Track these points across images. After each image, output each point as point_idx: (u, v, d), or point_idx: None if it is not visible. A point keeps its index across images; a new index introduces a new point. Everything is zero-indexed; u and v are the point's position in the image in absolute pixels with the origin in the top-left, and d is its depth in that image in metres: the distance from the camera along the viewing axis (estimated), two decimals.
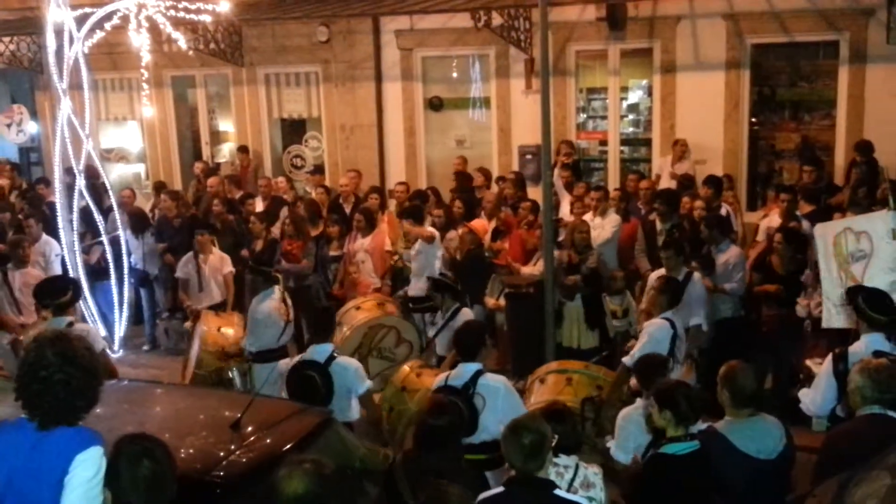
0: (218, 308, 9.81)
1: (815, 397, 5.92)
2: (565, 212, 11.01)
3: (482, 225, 10.44)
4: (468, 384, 5.94)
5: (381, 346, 9.10)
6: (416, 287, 9.71)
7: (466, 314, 8.29)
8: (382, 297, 9.93)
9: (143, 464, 3.57)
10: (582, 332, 9.32)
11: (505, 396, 5.99)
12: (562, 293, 9.30)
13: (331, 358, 6.56)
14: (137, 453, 3.60)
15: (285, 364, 7.02)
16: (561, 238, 9.73)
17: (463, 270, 9.72)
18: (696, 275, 8.44)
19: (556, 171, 11.26)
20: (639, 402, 5.93)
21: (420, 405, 6.85)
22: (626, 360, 7.04)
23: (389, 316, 9.24)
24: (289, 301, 8.41)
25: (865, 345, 5.89)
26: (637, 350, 6.96)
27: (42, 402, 3.75)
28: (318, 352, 6.61)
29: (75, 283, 7.82)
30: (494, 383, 6.05)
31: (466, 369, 6.04)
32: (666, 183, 11.68)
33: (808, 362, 7.10)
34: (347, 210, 11.92)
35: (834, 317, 7.09)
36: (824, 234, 7.24)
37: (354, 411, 6.65)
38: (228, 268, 10.23)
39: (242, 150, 14.70)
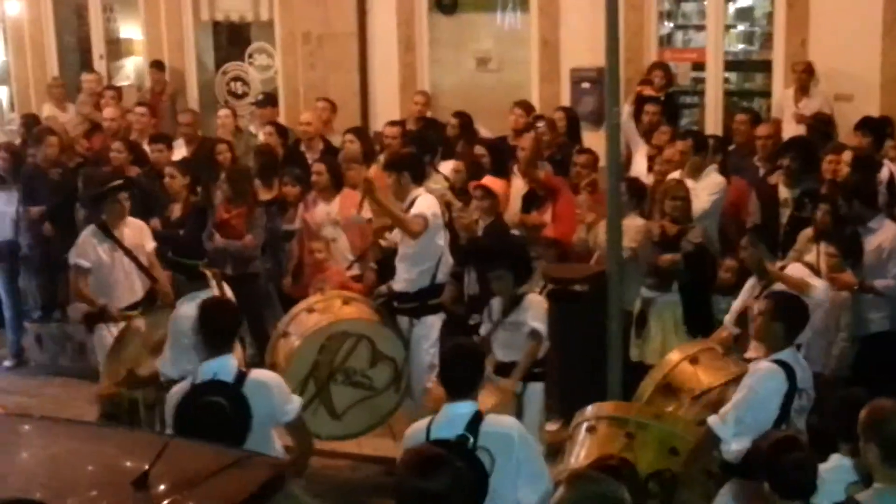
0: (144, 306, 9.69)
1: None
2: (640, 170, 11.00)
3: (500, 185, 10.40)
4: (464, 435, 5.94)
5: (349, 367, 9.11)
6: (404, 278, 9.67)
7: (536, 303, 8.45)
8: (352, 291, 9.86)
9: None
10: (679, 343, 9.31)
11: (520, 447, 5.99)
12: (650, 283, 9.34)
13: (241, 374, 6.60)
14: None
15: (176, 391, 7.01)
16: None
17: (484, 255, 9.70)
18: (796, 266, 8.53)
19: (627, 109, 11.23)
20: None
21: None
22: (713, 421, 6.99)
23: (357, 320, 9.20)
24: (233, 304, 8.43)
25: None
26: (730, 410, 6.93)
27: None
28: (219, 367, 6.62)
29: None
30: (503, 429, 6.02)
31: (458, 412, 6.01)
32: (789, 128, 11.67)
33: None
34: (312, 161, 11.91)
35: None
36: None
37: (276, 446, 6.69)
38: (150, 242, 10.08)
39: (155, 67, 14.72)
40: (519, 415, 8.32)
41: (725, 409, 6.94)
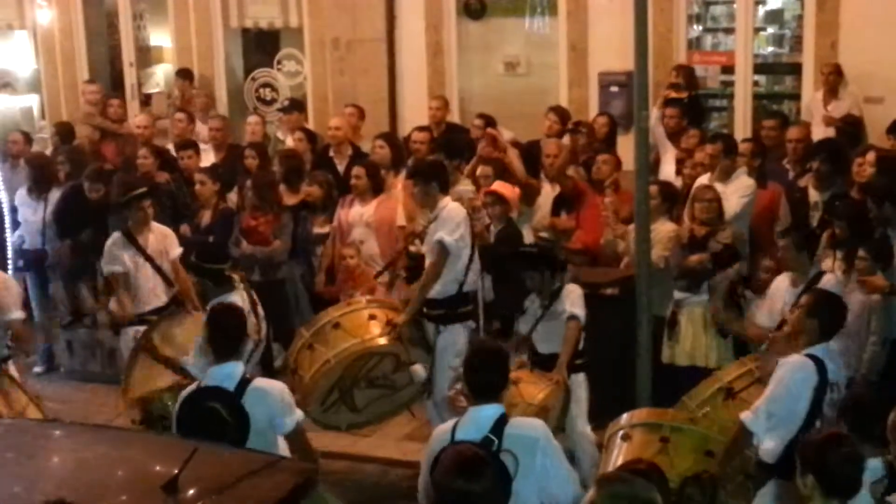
0: (167, 310, 9.71)
1: None
2: (668, 172, 10.97)
3: (510, 190, 10.38)
4: (489, 437, 5.93)
5: (373, 376, 9.13)
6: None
7: (573, 291, 8.53)
8: (385, 299, 9.85)
9: None
10: (710, 344, 9.32)
11: (545, 449, 5.98)
12: (681, 284, 9.33)
13: (244, 382, 6.61)
14: None
15: (184, 393, 7.02)
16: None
17: (499, 262, 9.68)
18: (830, 277, 8.45)
19: (656, 112, 11.21)
20: None
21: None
22: (746, 417, 6.99)
23: (385, 346, 9.17)
24: (260, 310, 8.44)
25: None
26: (761, 405, 6.92)
27: None
28: (224, 375, 6.64)
29: None
30: (528, 431, 6.01)
31: (483, 415, 6.01)
32: (819, 131, 11.61)
33: None
34: (341, 166, 11.95)
35: None
36: None
37: (283, 454, 6.67)
38: (176, 249, 10.13)
39: (184, 75, 14.75)
40: (566, 404, 8.49)
41: (757, 404, 6.95)
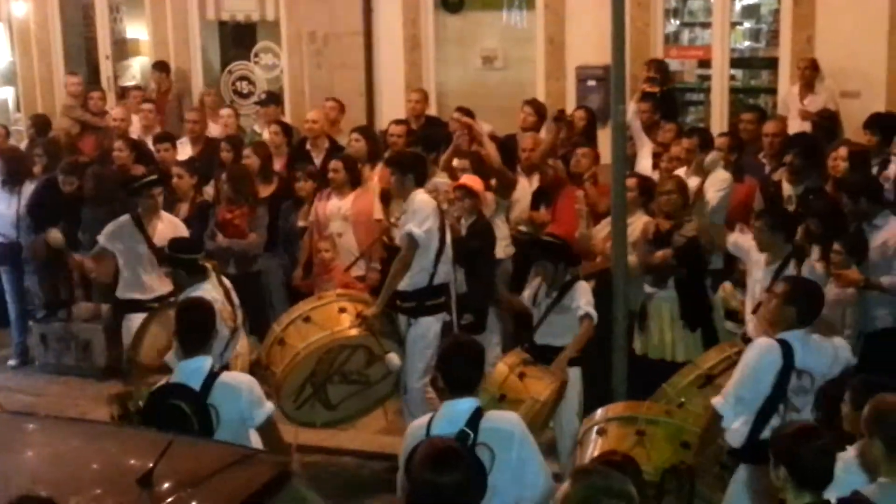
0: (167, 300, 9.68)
1: None
2: (645, 166, 10.99)
3: (479, 183, 10.38)
4: (464, 431, 5.94)
5: (346, 370, 9.12)
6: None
7: (585, 288, 8.59)
8: (356, 292, 9.81)
9: None
10: (677, 337, 9.34)
11: (521, 443, 6.00)
12: (648, 279, 9.36)
13: (211, 377, 6.59)
14: None
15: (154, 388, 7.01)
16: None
17: (470, 255, 9.68)
18: (808, 265, 8.50)
19: (633, 106, 11.23)
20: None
21: (526, 420, 7.07)
22: (716, 401, 7.00)
23: (355, 337, 9.14)
24: (234, 297, 8.40)
25: None
26: (730, 389, 6.93)
27: None
28: (191, 370, 6.62)
29: None
30: (504, 425, 6.02)
31: (458, 409, 6.02)
32: (795, 125, 11.66)
33: None
34: (318, 160, 11.94)
35: None
36: None
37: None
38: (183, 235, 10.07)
39: (160, 67, 14.72)
40: (558, 399, 8.51)
41: (726, 388, 6.96)
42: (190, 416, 6.42)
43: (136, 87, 15.37)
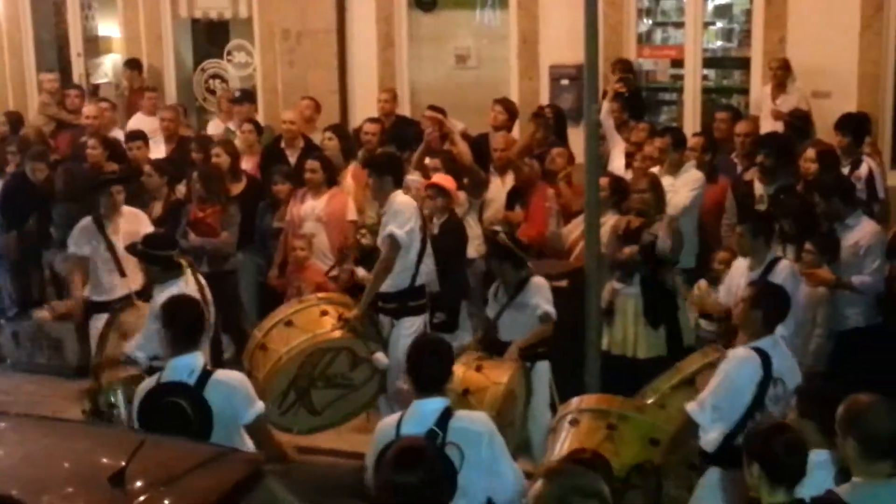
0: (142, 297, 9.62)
1: None
2: (617, 165, 11.01)
3: (451, 182, 10.39)
4: (434, 430, 5.95)
5: (330, 374, 9.11)
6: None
7: (542, 285, 8.65)
8: (337, 294, 9.81)
9: None
10: (639, 334, 9.37)
11: (490, 442, 6.01)
12: (616, 275, 9.41)
13: (205, 374, 6.59)
14: None
15: (143, 387, 7.00)
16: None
17: (442, 254, 9.68)
18: (785, 264, 8.51)
19: (606, 105, 11.26)
20: None
21: (496, 406, 7.28)
22: (691, 408, 7.03)
23: (338, 339, 9.14)
24: (208, 294, 8.40)
25: None
26: (707, 397, 6.96)
27: None
28: (184, 367, 6.61)
29: None
30: (474, 425, 6.04)
31: (428, 408, 6.03)
32: (767, 125, 11.71)
33: None
34: (292, 158, 11.93)
35: None
36: None
37: (247, 446, 6.65)
38: (147, 229, 10.00)
39: (133, 65, 14.69)
40: (529, 393, 8.61)
41: (702, 395, 6.99)
42: (189, 413, 6.42)
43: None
